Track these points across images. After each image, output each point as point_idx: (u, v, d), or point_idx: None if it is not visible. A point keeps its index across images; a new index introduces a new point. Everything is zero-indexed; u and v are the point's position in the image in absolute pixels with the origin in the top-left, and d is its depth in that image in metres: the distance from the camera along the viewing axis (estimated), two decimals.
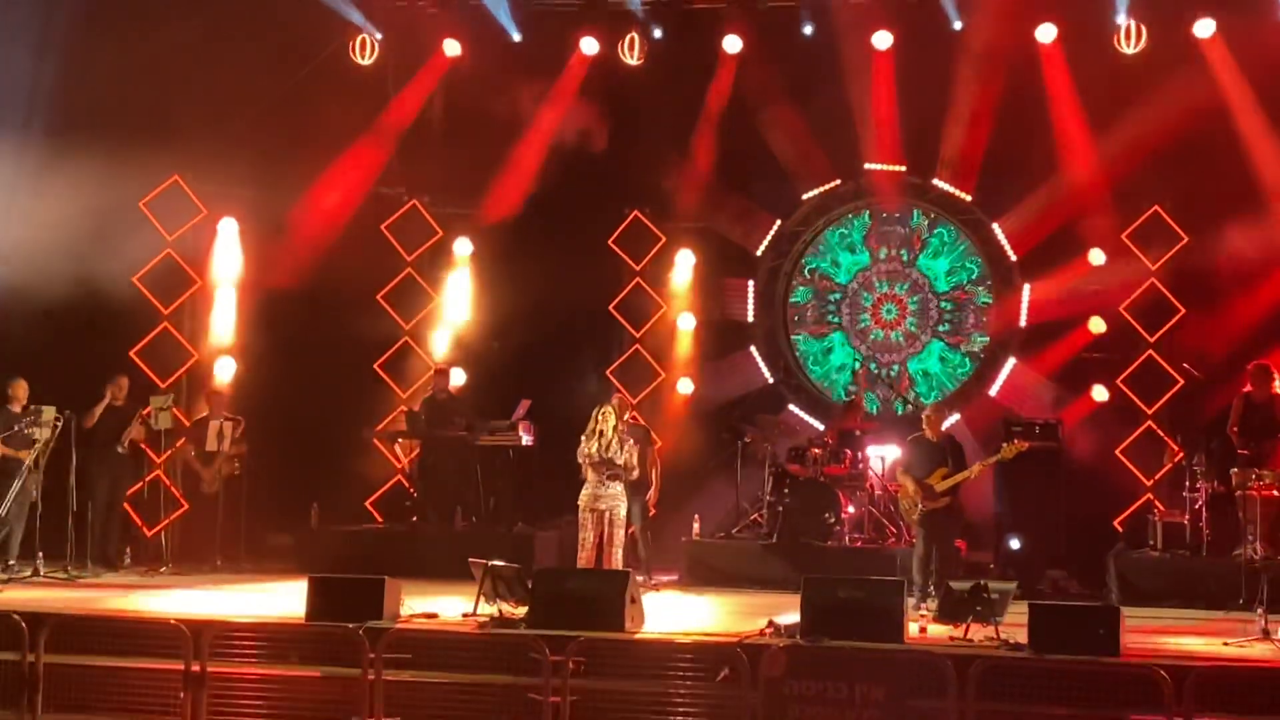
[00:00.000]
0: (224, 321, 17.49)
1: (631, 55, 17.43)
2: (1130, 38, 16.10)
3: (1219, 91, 15.90)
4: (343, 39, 17.27)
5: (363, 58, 17.64)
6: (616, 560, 13.37)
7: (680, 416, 17.65)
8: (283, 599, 13.16)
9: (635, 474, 13.76)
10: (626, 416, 14.45)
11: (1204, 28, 15.96)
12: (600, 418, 13.43)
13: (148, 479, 16.54)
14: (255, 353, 17.36)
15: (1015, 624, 11.41)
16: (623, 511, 13.52)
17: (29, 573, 14.57)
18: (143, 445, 16.47)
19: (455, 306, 18.19)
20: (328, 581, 11.99)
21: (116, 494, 16.01)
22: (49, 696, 10.96)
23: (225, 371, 17.33)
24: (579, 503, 13.45)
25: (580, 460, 13.43)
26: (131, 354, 16.81)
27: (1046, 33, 16.50)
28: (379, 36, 17.63)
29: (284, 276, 17.02)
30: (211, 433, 16.19)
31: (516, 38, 17.66)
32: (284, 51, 16.95)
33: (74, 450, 15.28)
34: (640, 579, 13.67)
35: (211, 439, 16.18)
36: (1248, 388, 14.70)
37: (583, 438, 13.45)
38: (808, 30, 17.24)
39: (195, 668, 10.68)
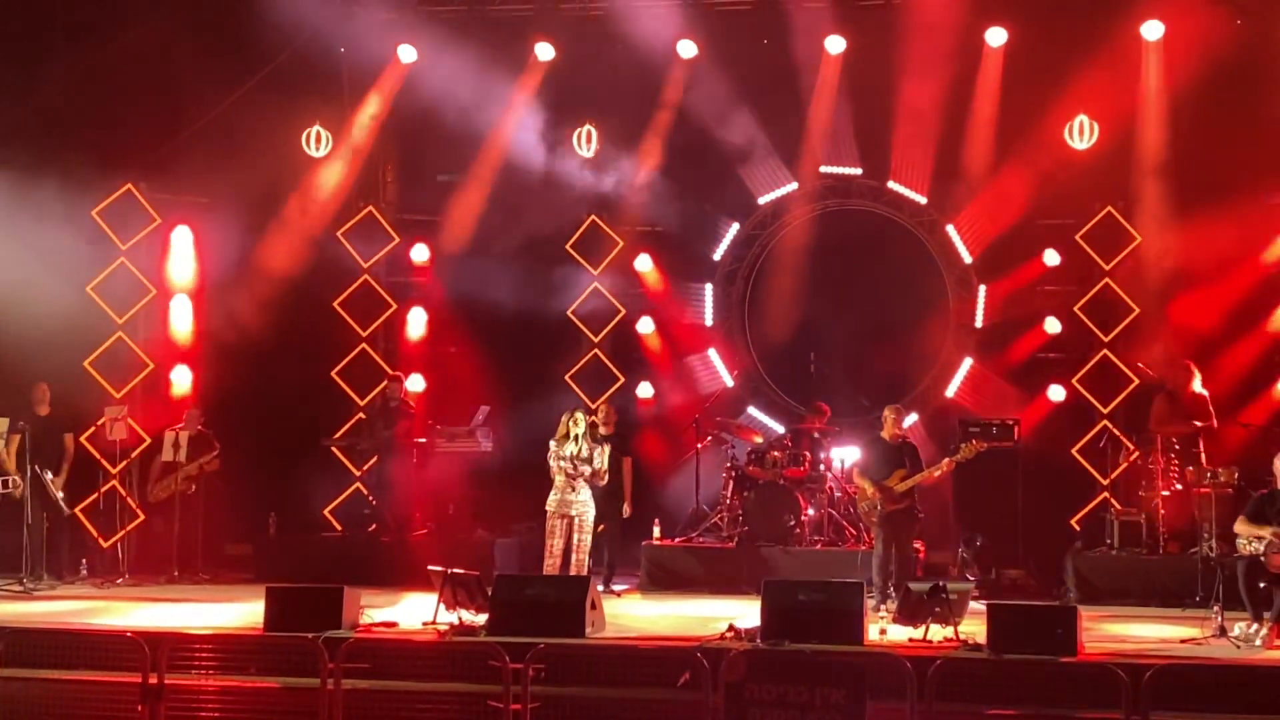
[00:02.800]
0: (179, 330, 17.37)
1: (587, 147, 17.38)
2: (1082, 132, 16.23)
3: (1164, 92, 16.05)
4: (297, 48, 17.10)
5: (316, 149, 17.52)
6: (583, 566, 13.38)
7: (640, 420, 17.64)
8: (241, 609, 13.09)
9: (605, 480, 13.79)
10: (602, 418, 14.52)
11: (1152, 30, 16.07)
12: (571, 423, 13.43)
13: (103, 489, 16.39)
14: (211, 361, 17.25)
15: (974, 625, 11.49)
16: (590, 516, 13.54)
17: None
18: (97, 456, 16.37)
19: (412, 313, 18.12)
20: (286, 591, 11.98)
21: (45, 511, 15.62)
22: (5, 711, 10.88)
23: (181, 380, 17.21)
24: (547, 508, 13.41)
25: (553, 464, 13.39)
26: (86, 364, 16.66)
27: (996, 36, 16.59)
28: (328, 134, 17.52)
29: (239, 284, 16.96)
30: (166, 444, 16.06)
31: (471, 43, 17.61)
32: (238, 58, 16.86)
33: (29, 462, 15.18)
34: (600, 588, 13.70)
35: (166, 449, 16.06)
36: (1169, 384, 14.99)
37: (552, 442, 13.43)
38: (762, 34, 17.27)
39: (153, 680, 10.60)
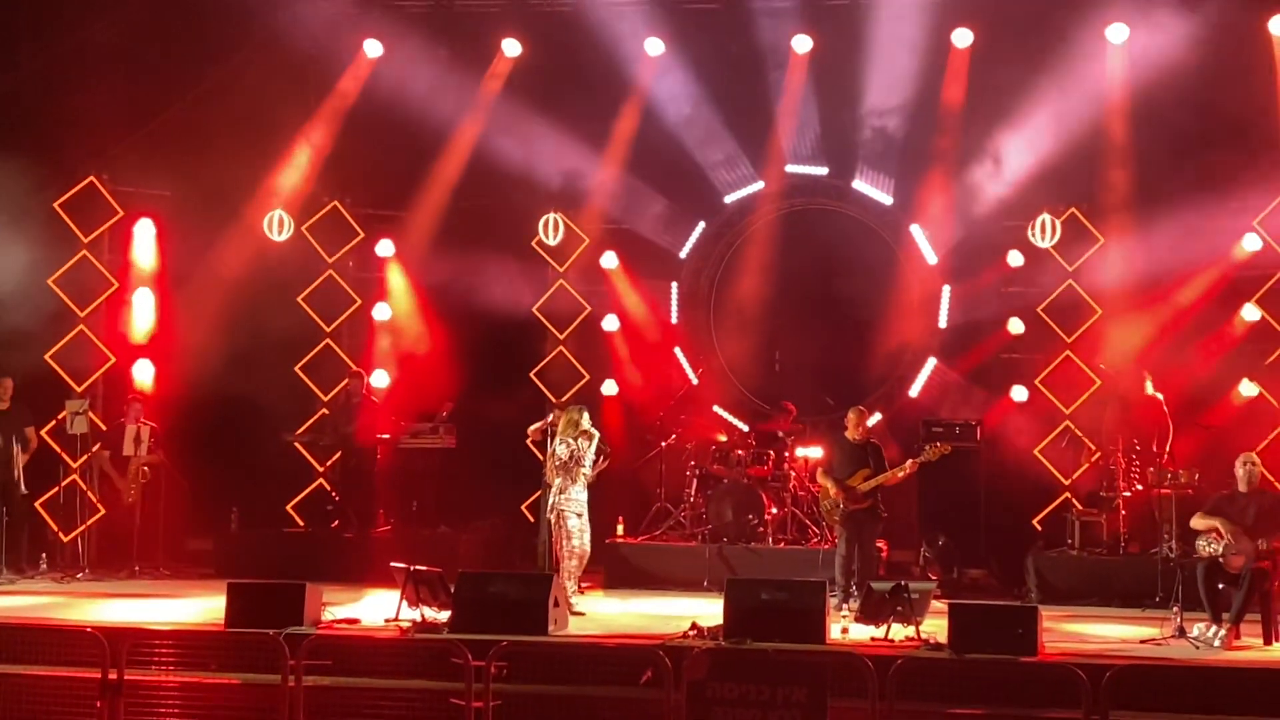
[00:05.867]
0: (141, 324, 17.27)
1: (554, 236, 17.46)
2: (1045, 230, 16.34)
3: (1128, 94, 16.16)
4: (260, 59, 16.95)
5: (278, 234, 17.45)
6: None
7: (604, 418, 17.63)
8: (202, 605, 13.03)
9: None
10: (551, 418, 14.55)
11: (1117, 32, 16.16)
12: (584, 420, 13.47)
13: (64, 483, 16.28)
14: (173, 355, 17.15)
15: (936, 624, 11.53)
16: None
17: None
18: (58, 450, 16.25)
19: (377, 308, 18.06)
20: (247, 587, 11.92)
21: (9, 503, 15.56)
22: None
23: (143, 374, 17.11)
24: (576, 510, 13.40)
25: (574, 464, 13.37)
26: (47, 357, 16.54)
27: (962, 37, 16.66)
28: (289, 217, 17.49)
29: (203, 278, 16.87)
30: (127, 437, 15.98)
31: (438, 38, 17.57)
32: (203, 51, 16.77)
33: None
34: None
35: (128, 443, 15.97)
36: (1122, 389, 15.21)
37: (569, 440, 13.37)
38: (728, 33, 17.29)
39: (112, 676, 10.52)
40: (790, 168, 17.94)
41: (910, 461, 13.86)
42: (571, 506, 13.41)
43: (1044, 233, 16.39)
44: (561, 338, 17.67)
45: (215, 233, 16.99)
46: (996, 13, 16.62)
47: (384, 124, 17.59)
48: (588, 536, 13.64)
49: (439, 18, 17.62)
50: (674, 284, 18.39)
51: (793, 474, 16.08)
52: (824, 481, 14.06)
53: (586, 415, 13.63)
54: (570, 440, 13.42)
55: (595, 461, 13.71)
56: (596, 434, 13.64)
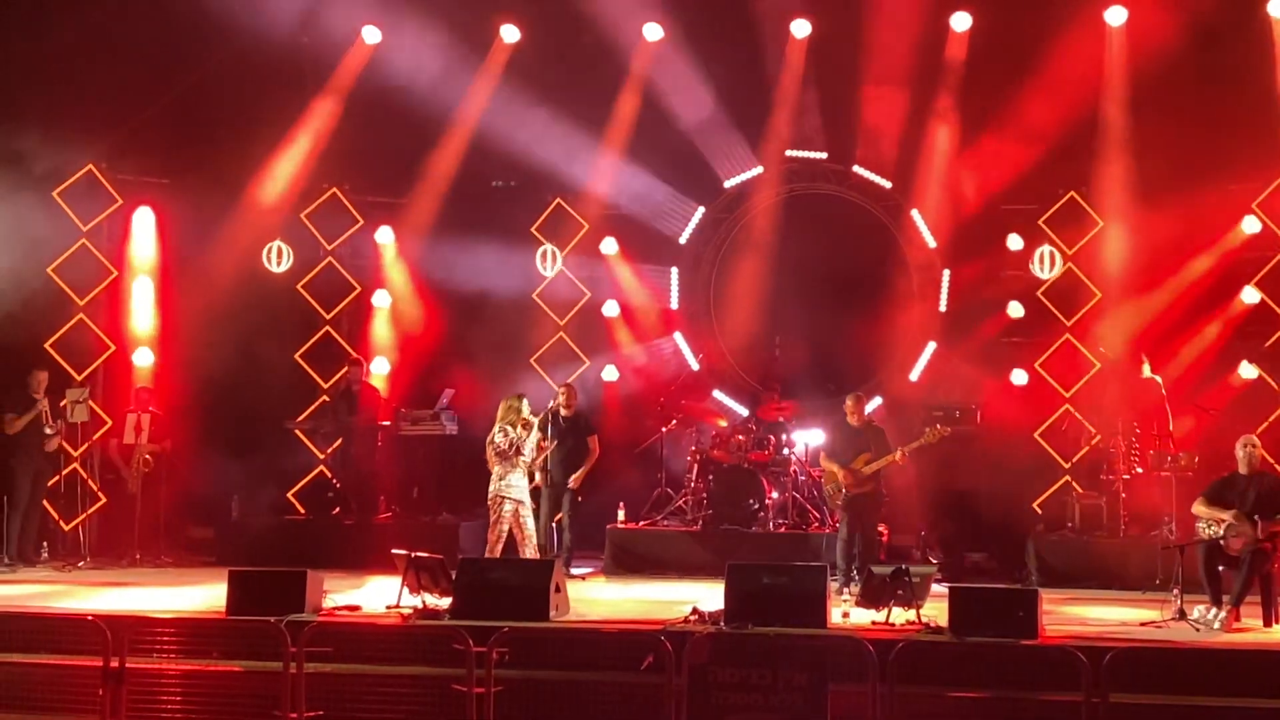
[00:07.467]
0: (141, 312, 17.27)
1: (549, 266, 17.57)
2: (1044, 262, 16.37)
3: (1127, 76, 16.13)
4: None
5: (277, 265, 17.46)
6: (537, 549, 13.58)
7: (605, 403, 17.65)
8: (203, 593, 13.05)
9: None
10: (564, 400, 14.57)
11: (1115, 15, 16.14)
12: (525, 408, 13.47)
13: (64, 472, 16.29)
14: (173, 343, 17.15)
15: (936, 607, 11.55)
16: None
17: None
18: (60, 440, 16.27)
19: (377, 295, 18.05)
20: (248, 575, 11.93)
21: (38, 491, 15.70)
22: None
23: (143, 362, 17.11)
24: (517, 497, 13.41)
25: (514, 451, 13.37)
26: (47, 346, 16.55)
27: (961, 21, 16.63)
28: (289, 249, 17.50)
29: (202, 265, 16.86)
30: (128, 425, 15.99)
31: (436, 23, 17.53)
32: (202, 37, 16.71)
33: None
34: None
35: (128, 432, 15.98)
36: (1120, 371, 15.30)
37: (508, 428, 13.39)
38: (728, 17, 17.26)
39: (114, 664, 10.53)
40: (790, 152, 17.91)
41: (900, 450, 13.85)
42: (511, 493, 13.37)
43: (1042, 264, 16.44)
44: (562, 323, 17.69)
45: (215, 221, 16.97)
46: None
47: (383, 110, 17.56)
48: (532, 522, 13.62)
49: (437, 3, 17.57)
50: (674, 269, 18.40)
51: (793, 459, 16.09)
52: (827, 465, 14.09)
53: (526, 403, 13.62)
54: (509, 428, 13.39)
55: (535, 448, 13.69)
56: (535, 421, 13.62)
